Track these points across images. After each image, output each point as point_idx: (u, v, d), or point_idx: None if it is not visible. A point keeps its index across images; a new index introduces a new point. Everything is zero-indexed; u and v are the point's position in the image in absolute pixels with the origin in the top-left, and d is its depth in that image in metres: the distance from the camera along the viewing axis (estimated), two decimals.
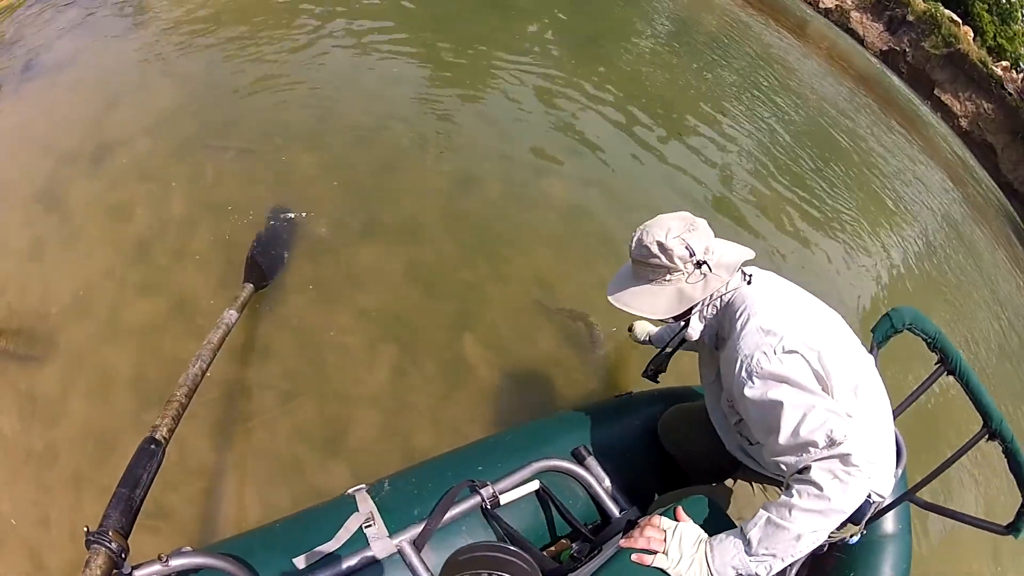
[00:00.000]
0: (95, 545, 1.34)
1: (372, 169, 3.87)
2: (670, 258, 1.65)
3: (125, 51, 4.40)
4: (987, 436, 1.88)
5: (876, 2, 23.73)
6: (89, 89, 4.02)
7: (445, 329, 3.07)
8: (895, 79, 20.83)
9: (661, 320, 1.90)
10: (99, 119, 3.78)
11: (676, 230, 1.65)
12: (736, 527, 1.53)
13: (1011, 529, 1.81)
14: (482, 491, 1.71)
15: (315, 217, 3.37)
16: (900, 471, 1.94)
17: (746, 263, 1.76)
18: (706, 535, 1.50)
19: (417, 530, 1.60)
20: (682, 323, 1.89)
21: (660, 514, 1.55)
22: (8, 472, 2.30)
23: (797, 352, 1.48)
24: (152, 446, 1.66)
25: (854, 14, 23.84)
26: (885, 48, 23.38)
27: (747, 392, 1.51)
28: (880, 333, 2.03)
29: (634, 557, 1.45)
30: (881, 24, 23.70)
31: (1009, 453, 1.84)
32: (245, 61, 4.52)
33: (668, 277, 1.68)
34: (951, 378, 1.98)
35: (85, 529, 1.35)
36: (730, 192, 5.52)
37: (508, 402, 2.86)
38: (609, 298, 1.76)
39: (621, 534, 1.57)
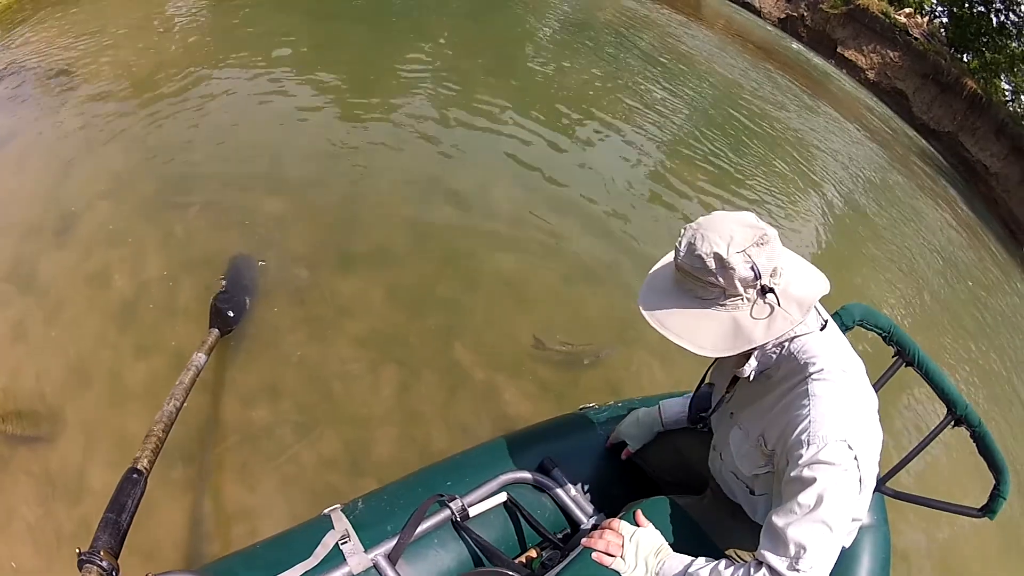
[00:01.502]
0: (87, 564, 1.36)
1: (332, 205, 3.77)
2: (729, 279, 1.22)
3: (63, 121, 4.10)
4: (953, 422, 1.80)
5: None
6: (37, 162, 3.74)
7: (435, 341, 3.06)
8: (796, 45, 20.84)
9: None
10: (54, 190, 3.50)
11: (741, 241, 1.21)
12: (702, 533, 1.48)
13: (985, 511, 1.73)
14: (451, 505, 1.68)
15: (292, 260, 3.26)
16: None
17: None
18: (667, 544, 1.40)
19: (391, 544, 1.58)
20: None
21: (621, 518, 1.48)
22: (43, 561, 2.12)
23: (861, 475, 1.22)
24: (135, 475, 1.71)
25: None
26: (783, 16, 22.97)
27: (796, 461, 1.23)
28: None
29: (594, 556, 1.39)
30: None
31: (977, 437, 1.77)
32: (186, 115, 4.29)
33: (723, 301, 1.26)
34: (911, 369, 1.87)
35: (77, 551, 1.34)
36: (651, 179, 5.67)
37: (506, 394, 2.88)
38: (643, 312, 1.33)
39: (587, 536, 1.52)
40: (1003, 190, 17.92)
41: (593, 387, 3.18)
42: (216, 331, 2.63)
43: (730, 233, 1.22)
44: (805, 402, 1.24)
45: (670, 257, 1.36)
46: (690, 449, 1.80)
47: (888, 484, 1.86)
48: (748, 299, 1.25)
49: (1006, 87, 27.81)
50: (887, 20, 21.48)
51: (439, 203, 4.09)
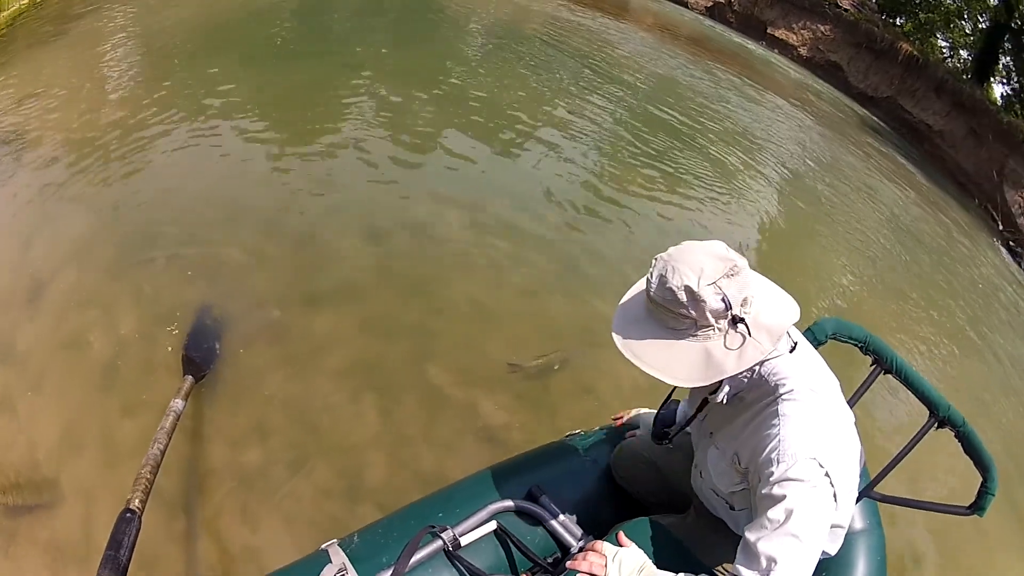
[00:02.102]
0: None
1: (291, 246, 3.94)
2: (700, 311, 1.28)
3: (14, 191, 4.17)
4: (936, 424, 1.86)
5: None
6: None
7: (410, 366, 3.26)
8: (726, 31, 21.26)
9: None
10: (16, 261, 3.61)
11: (711, 273, 1.28)
12: (685, 550, 1.55)
13: (974, 509, 1.77)
14: (443, 535, 1.75)
15: (261, 302, 3.42)
16: (859, 468, 1.84)
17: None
18: (649, 562, 1.43)
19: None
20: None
21: (605, 539, 1.53)
22: None
23: (834, 490, 1.28)
24: (128, 515, 1.89)
25: None
26: (709, 4, 23.14)
27: (767, 479, 1.30)
28: None
29: None
30: None
31: (962, 437, 1.81)
32: (137, 173, 4.40)
33: (695, 332, 1.32)
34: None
35: None
36: (596, 184, 5.92)
37: (483, 409, 3.10)
38: (617, 343, 1.40)
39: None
40: (949, 146, 18.57)
41: (565, 390, 3.42)
42: (190, 377, 2.80)
43: (700, 265, 1.28)
44: (775, 422, 1.32)
45: (641, 286, 1.44)
46: (671, 469, 1.89)
47: (876, 488, 1.90)
48: (720, 329, 1.31)
49: (943, 44, 28.66)
50: None
51: (395, 233, 4.29)
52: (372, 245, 4.13)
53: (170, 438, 2.37)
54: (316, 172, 4.80)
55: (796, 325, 1.43)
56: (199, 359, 2.97)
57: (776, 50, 21.61)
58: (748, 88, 13.37)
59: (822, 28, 21.78)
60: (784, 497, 1.25)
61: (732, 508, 1.53)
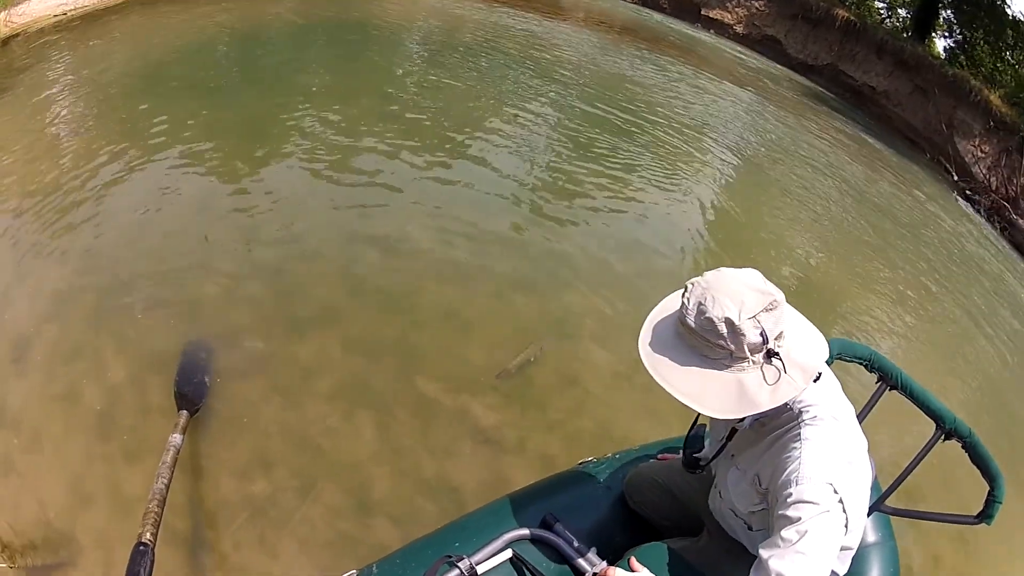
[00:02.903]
0: None
1: (265, 277, 4.11)
2: (739, 344, 1.33)
3: None
4: (943, 437, 1.94)
5: None
6: None
7: (398, 380, 3.46)
8: (660, 17, 21.46)
9: None
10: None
11: (752, 307, 1.32)
12: (698, 574, 1.61)
13: (982, 517, 1.85)
14: (460, 565, 1.78)
15: (244, 335, 3.57)
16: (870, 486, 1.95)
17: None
18: None
19: None
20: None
21: (617, 565, 1.56)
22: None
23: (847, 517, 1.33)
24: (141, 547, 2.03)
25: None
26: None
27: (784, 500, 1.35)
28: None
29: None
30: None
31: (969, 447, 1.90)
32: (102, 220, 4.50)
33: (729, 363, 1.36)
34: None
35: None
36: (550, 184, 6.22)
37: (474, 411, 3.33)
38: (645, 364, 1.43)
39: None
40: (894, 105, 19.18)
41: (549, 384, 3.69)
42: (185, 412, 2.95)
43: (741, 298, 1.32)
44: (796, 445, 1.37)
45: (669, 307, 1.47)
46: (685, 492, 1.96)
47: (887, 502, 2.00)
48: (755, 362, 1.35)
49: (880, 6, 29.52)
50: None
51: (364, 253, 4.49)
52: (342, 266, 4.33)
53: (172, 472, 2.52)
54: (276, 201, 4.94)
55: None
56: (191, 394, 3.12)
57: (712, 31, 21.92)
58: (688, 72, 13.73)
59: (756, 4, 22.12)
60: (799, 519, 1.29)
61: (750, 528, 1.57)
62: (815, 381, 1.41)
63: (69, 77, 6.92)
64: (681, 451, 1.92)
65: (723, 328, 1.31)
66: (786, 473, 1.35)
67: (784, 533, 1.31)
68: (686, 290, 1.39)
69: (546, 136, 7.47)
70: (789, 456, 1.37)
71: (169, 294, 3.89)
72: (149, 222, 4.54)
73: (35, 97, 6.25)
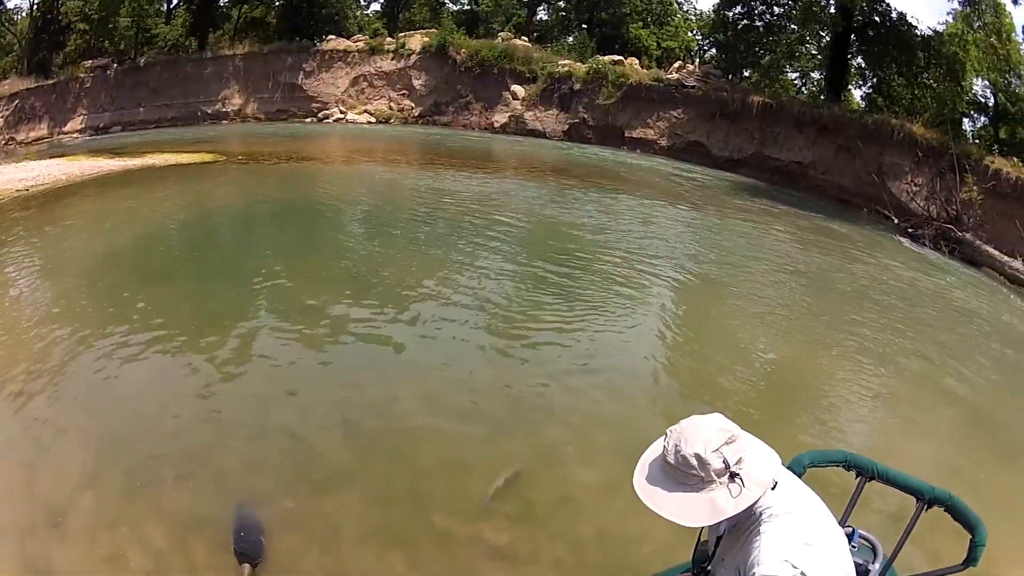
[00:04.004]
0: None
1: (279, 446, 4.75)
2: (707, 472, 1.76)
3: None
4: (925, 507, 2.26)
5: (544, 93, 26.14)
6: None
7: (415, 519, 4.06)
8: (588, 148, 23.53)
9: None
10: (29, 490, 4.13)
11: (715, 443, 1.77)
12: None
13: (968, 562, 2.14)
14: None
15: (275, 498, 4.13)
16: (879, 567, 2.26)
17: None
18: None
19: None
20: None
21: None
22: None
23: None
24: None
25: (528, 115, 26.15)
26: (566, 128, 25.56)
27: None
28: None
29: None
30: (554, 110, 25.96)
31: (950, 508, 2.23)
32: (110, 399, 5.19)
33: (701, 487, 1.78)
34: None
35: None
36: (502, 327, 7.03)
37: (486, 535, 3.92)
38: (641, 497, 1.85)
39: None
40: (822, 173, 20.64)
41: (546, 501, 4.32)
42: (247, 565, 3.47)
43: (707, 437, 1.78)
44: (758, 537, 1.77)
45: (653, 452, 1.93)
46: None
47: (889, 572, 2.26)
48: (721, 483, 1.76)
49: (793, 76, 31.83)
50: (661, 84, 24.13)
51: (361, 416, 5.24)
52: (344, 429, 5.03)
53: None
54: (270, 377, 5.72)
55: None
56: (250, 549, 3.61)
57: (638, 150, 23.74)
58: (621, 199, 15.10)
59: (675, 114, 23.96)
60: None
61: None
62: (772, 489, 1.83)
63: (53, 260, 7.77)
64: (691, 565, 2.34)
65: (694, 461, 1.76)
66: (751, 559, 1.74)
67: None
68: (666, 436, 1.86)
69: (497, 287, 8.31)
70: (753, 546, 1.76)
71: (194, 467, 4.42)
72: (158, 403, 5.17)
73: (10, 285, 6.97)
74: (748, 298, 9.05)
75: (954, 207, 16.25)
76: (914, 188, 18.11)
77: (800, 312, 8.81)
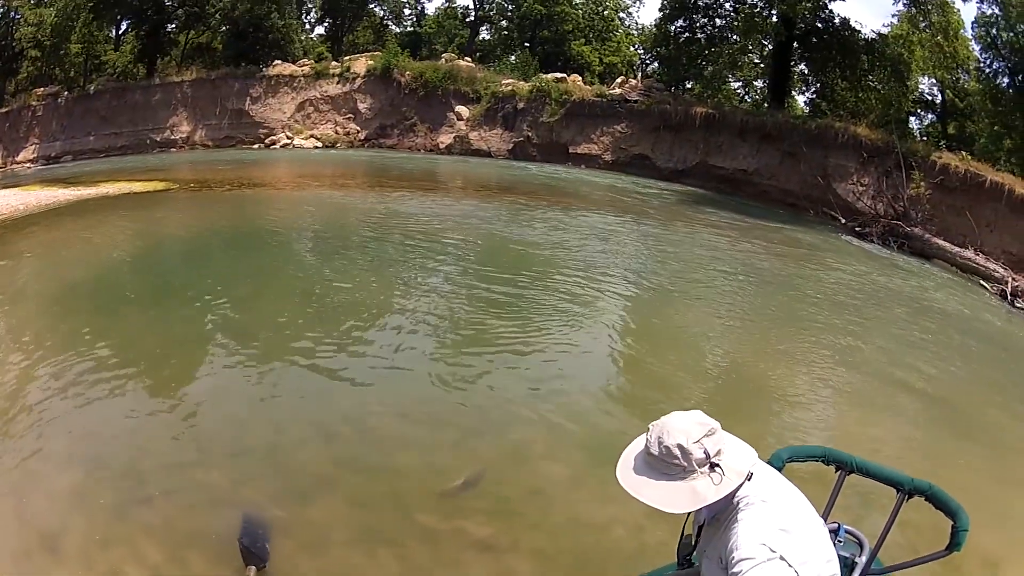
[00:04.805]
0: None
1: (258, 460, 4.96)
2: (689, 461, 1.86)
3: None
4: (907, 496, 2.34)
5: (488, 113, 26.76)
6: None
7: (399, 521, 4.32)
8: (532, 166, 23.98)
9: None
10: (18, 516, 4.23)
11: (696, 435, 1.88)
12: None
13: (951, 548, 2.23)
14: None
15: (264, 507, 4.33)
16: (865, 559, 2.33)
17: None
18: None
19: None
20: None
21: None
22: None
23: (793, 568, 1.72)
24: None
25: (472, 135, 26.74)
26: (511, 146, 26.22)
27: (732, 565, 1.80)
28: None
29: None
30: (498, 129, 26.54)
31: (931, 497, 2.31)
32: (105, 414, 5.38)
33: (684, 476, 1.88)
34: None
35: None
36: (457, 346, 7.31)
37: (469, 528, 4.23)
38: (625, 487, 1.93)
39: None
40: (768, 179, 21.40)
41: (519, 496, 4.67)
42: (253, 567, 3.68)
43: (688, 430, 1.88)
44: (735, 525, 1.87)
45: (635, 447, 2.02)
46: None
47: (874, 564, 2.33)
48: (702, 473, 1.87)
49: (736, 85, 32.79)
50: (604, 100, 24.85)
51: (336, 429, 5.48)
52: (322, 444, 5.26)
53: None
54: (241, 400, 5.95)
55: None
56: (257, 552, 3.82)
57: (583, 165, 24.41)
58: (569, 215, 15.59)
59: (618, 128, 24.69)
60: (739, 573, 1.75)
61: None
62: (749, 480, 1.93)
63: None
64: (676, 556, 2.45)
65: (677, 452, 1.86)
66: (730, 545, 1.84)
67: None
68: (648, 431, 1.96)
69: (455, 304, 8.63)
70: (732, 533, 1.87)
71: (180, 483, 4.58)
72: (134, 426, 5.34)
73: None
74: (700, 304, 9.57)
75: (901, 204, 17.03)
76: (860, 188, 18.91)
77: (753, 314, 9.35)
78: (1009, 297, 13.23)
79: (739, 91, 32.66)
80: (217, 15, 31.28)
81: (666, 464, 1.89)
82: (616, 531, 4.24)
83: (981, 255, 14.97)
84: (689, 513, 2.06)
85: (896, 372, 7.71)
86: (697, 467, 1.87)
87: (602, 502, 4.50)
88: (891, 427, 6.50)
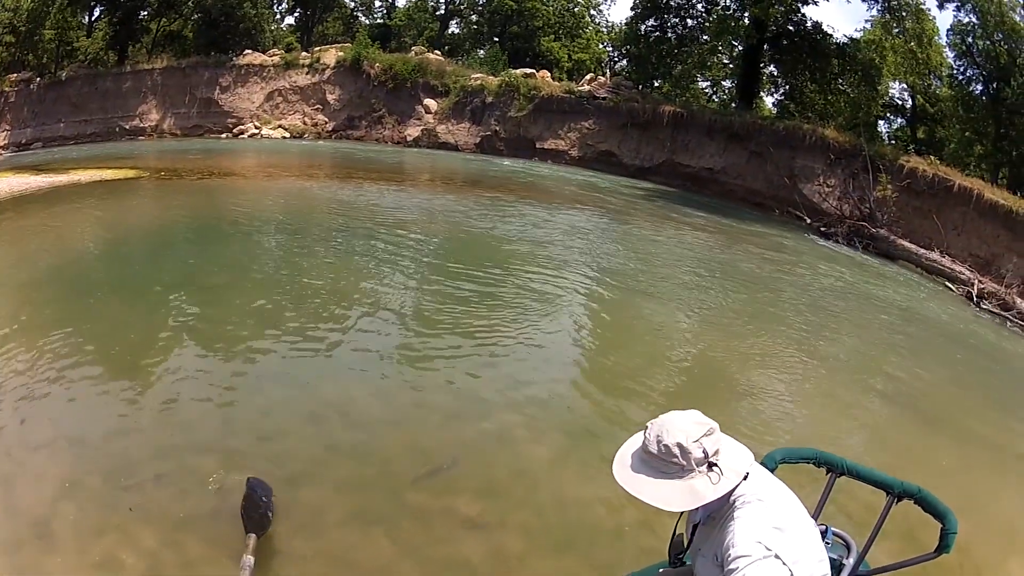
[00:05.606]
0: None
1: (250, 444, 5.01)
2: (688, 460, 1.88)
3: None
4: (896, 499, 2.37)
5: (456, 107, 26.76)
6: None
7: (391, 501, 4.45)
8: (498, 161, 24.00)
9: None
10: (8, 505, 4.22)
11: (695, 434, 1.90)
12: None
13: (940, 550, 2.25)
14: None
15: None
16: (852, 561, 2.36)
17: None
18: None
19: None
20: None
21: None
22: None
23: (788, 566, 1.74)
24: None
25: (440, 128, 26.72)
26: (478, 141, 26.27)
27: (728, 562, 1.81)
28: None
29: None
30: (466, 123, 26.61)
31: (920, 501, 2.34)
32: (89, 402, 5.37)
33: (682, 475, 1.90)
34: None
35: None
36: (424, 337, 7.33)
37: (458, 506, 4.40)
38: (623, 486, 1.95)
39: None
40: (734, 178, 21.79)
41: (504, 477, 4.82)
42: (253, 535, 3.76)
43: (687, 429, 1.92)
44: (731, 523, 1.89)
45: (632, 445, 2.05)
46: None
47: (862, 565, 2.38)
48: (700, 471, 1.90)
49: (704, 85, 33.14)
50: (573, 96, 25.05)
51: (326, 415, 5.53)
52: (308, 429, 5.31)
53: None
54: (225, 387, 5.87)
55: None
56: (258, 519, 3.90)
57: (549, 160, 24.58)
58: (533, 207, 15.73)
59: (586, 125, 24.91)
60: (736, 569, 1.77)
61: None
62: (745, 479, 1.97)
63: None
64: (668, 555, 2.43)
65: (676, 451, 1.90)
66: (726, 542, 1.87)
67: None
68: (646, 429, 2.00)
69: (411, 298, 8.71)
70: (728, 531, 1.90)
71: (170, 467, 4.62)
72: (118, 413, 5.34)
73: None
74: (667, 299, 9.77)
75: (867, 205, 17.44)
76: (827, 189, 19.35)
77: (717, 311, 9.56)
78: (975, 299, 13.63)
79: (707, 91, 33.08)
80: (190, 3, 31.00)
81: (665, 463, 1.92)
82: (598, 509, 4.44)
83: (947, 257, 15.42)
84: (683, 512, 2.12)
85: (862, 371, 8.00)
86: (696, 466, 1.91)
87: (584, 481, 4.72)
88: (855, 423, 6.77)
